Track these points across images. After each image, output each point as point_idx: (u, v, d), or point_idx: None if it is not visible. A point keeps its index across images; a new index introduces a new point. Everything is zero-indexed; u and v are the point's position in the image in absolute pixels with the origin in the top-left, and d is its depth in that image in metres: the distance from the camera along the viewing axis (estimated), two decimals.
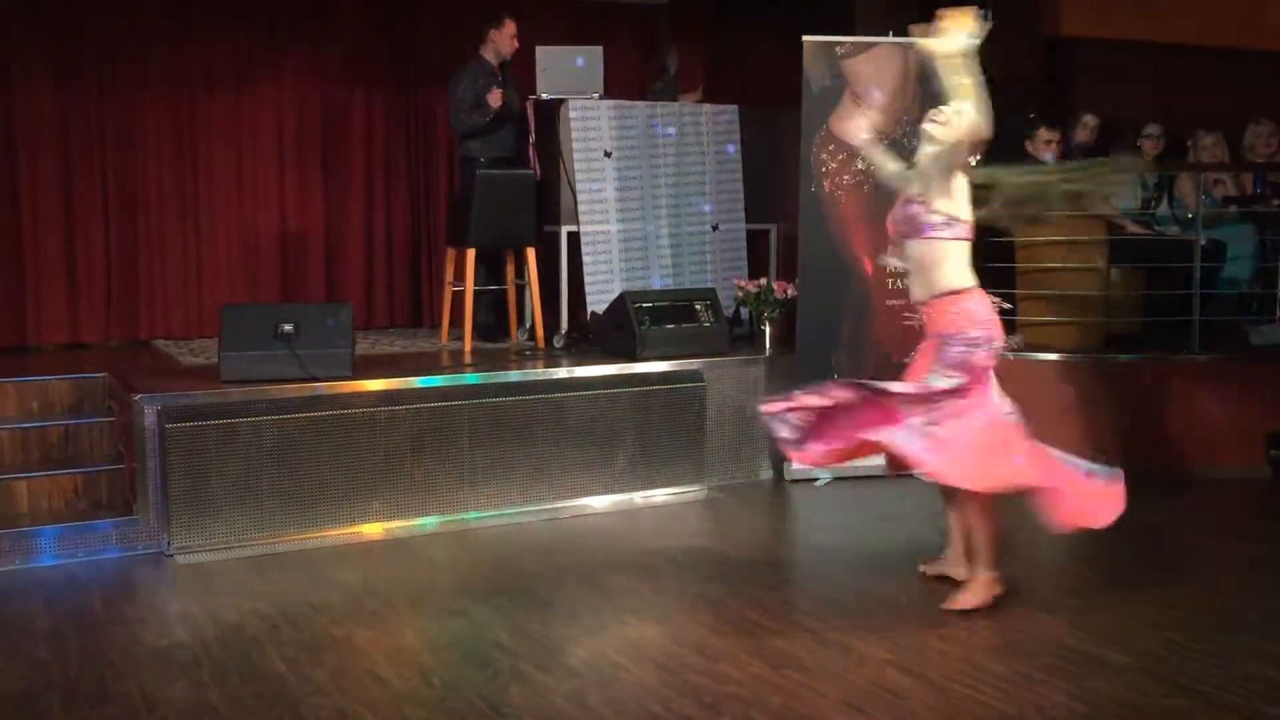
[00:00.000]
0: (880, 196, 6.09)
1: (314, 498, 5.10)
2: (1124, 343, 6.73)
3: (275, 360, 5.24)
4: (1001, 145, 6.70)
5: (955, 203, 4.08)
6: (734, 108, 7.07)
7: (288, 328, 5.26)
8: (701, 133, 6.94)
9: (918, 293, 4.19)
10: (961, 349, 4.05)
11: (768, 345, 6.41)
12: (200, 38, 7.26)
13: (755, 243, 7.19)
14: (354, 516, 5.18)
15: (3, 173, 6.83)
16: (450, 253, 6.80)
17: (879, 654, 3.77)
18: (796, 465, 6.11)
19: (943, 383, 4.04)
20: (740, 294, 6.56)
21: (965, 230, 4.09)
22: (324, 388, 5.25)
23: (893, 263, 4.08)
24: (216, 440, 4.92)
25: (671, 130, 6.83)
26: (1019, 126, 6.93)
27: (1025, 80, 7.48)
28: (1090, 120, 7.54)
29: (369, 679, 3.59)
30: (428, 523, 5.30)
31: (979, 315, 4.08)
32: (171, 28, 7.13)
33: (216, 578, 4.60)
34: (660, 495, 5.82)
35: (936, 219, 4.03)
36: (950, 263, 4.09)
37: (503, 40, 6.87)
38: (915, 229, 4.09)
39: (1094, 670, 3.64)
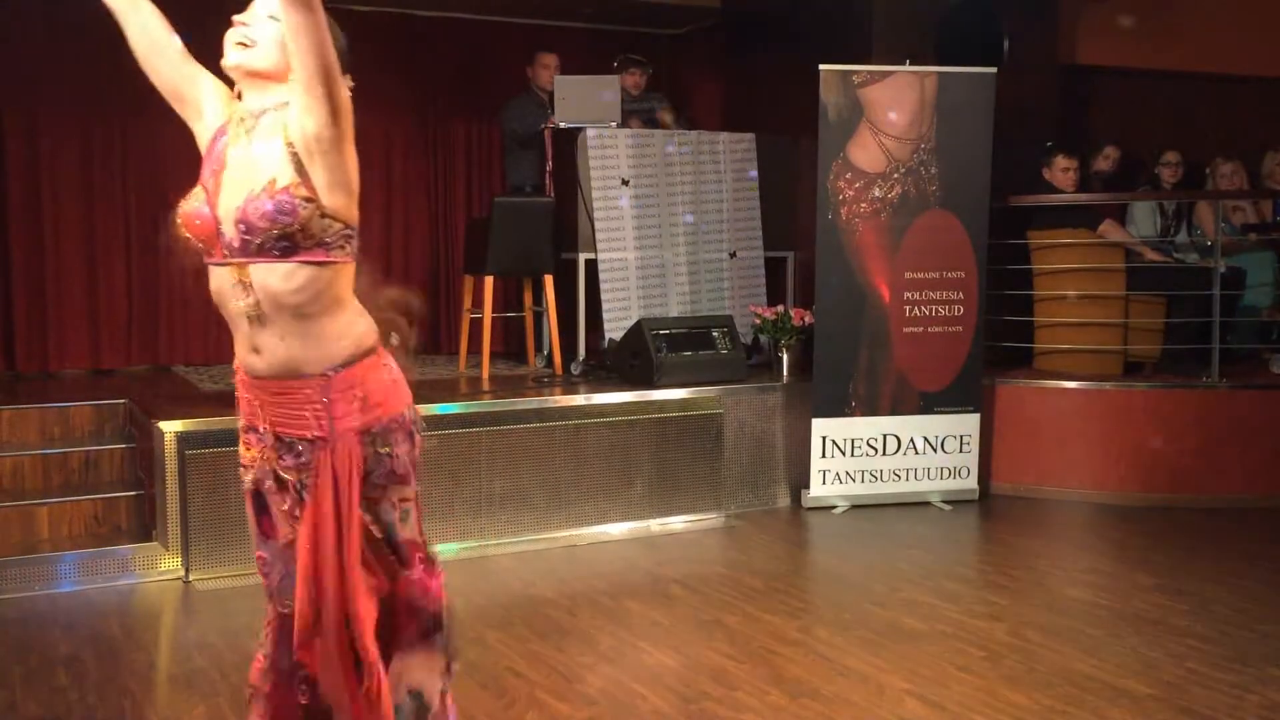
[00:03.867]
0: (897, 224, 6.12)
1: None
2: (1143, 371, 6.72)
3: None
4: (1020, 174, 6.78)
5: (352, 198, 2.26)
6: (751, 136, 7.10)
7: None
8: (719, 160, 6.96)
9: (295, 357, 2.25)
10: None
11: (785, 373, 6.41)
12: (217, 67, 7.33)
13: (773, 270, 7.19)
14: None
15: (26, 199, 6.91)
16: (468, 280, 6.84)
17: (898, 683, 3.75)
18: (814, 493, 6.13)
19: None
20: (758, 321, 6.57)
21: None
22: None
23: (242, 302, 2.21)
24: (236, 467, 4.92)
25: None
26: (1037, 154, 6.95)
27: (1043, 108, 7.51)
28: (1111, 151, 7.55)
29: None
30: (445, 549, 5.30)
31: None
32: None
33: (235, 604, 4.61)
34: (678, 522, 5.81)
35: (333, 226, 2.19)
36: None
37: (538, 74, 7.24)
38: (291, 238, 2.16)
39: (1114, 701, 3.61)
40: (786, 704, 3.59)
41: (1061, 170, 6.81)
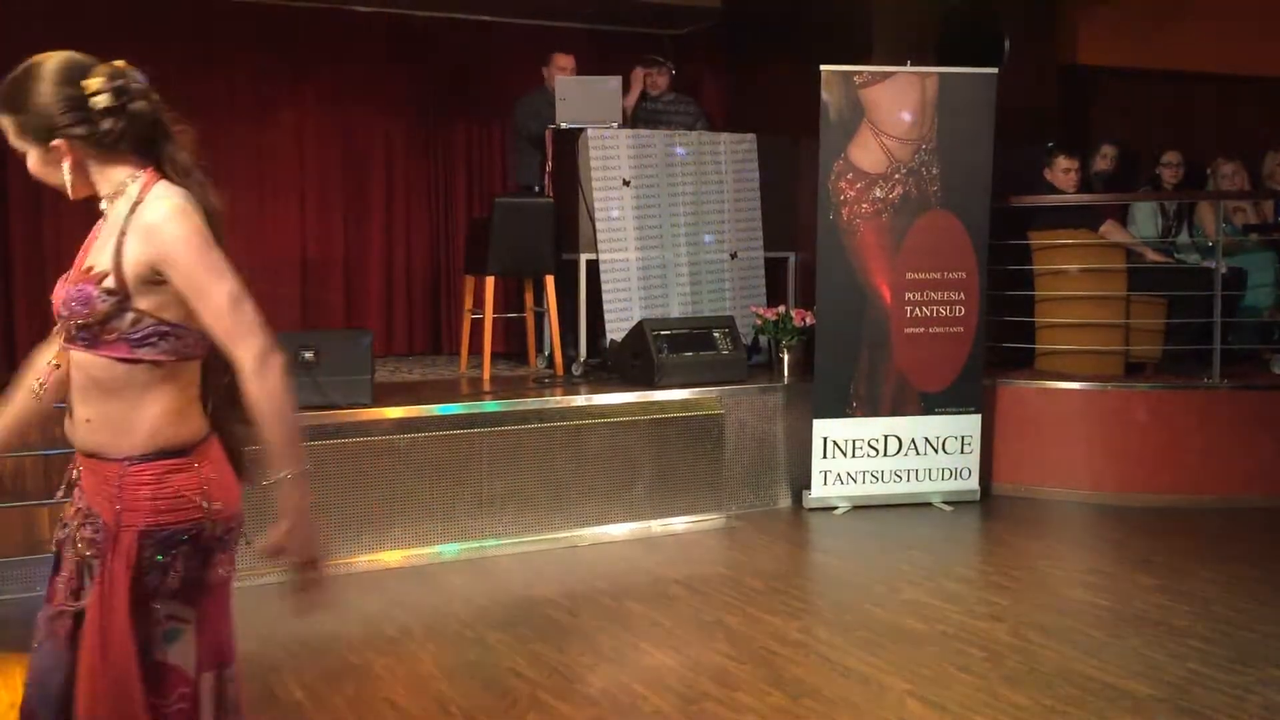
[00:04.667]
0: (898, 225, 6.12)
1: (333, 525, 5.09)
2: (1144, 371, 6.71)
3: (296, 387, 5.23)
4: (1021, 174, 6.78)
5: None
6: (752, 136, 7.10)
7: (308, 355, 5.29)
8: (720, 161, 6.96)
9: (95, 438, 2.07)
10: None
11: (786, 373, 6.41)
12: (220, 67, 7.32)
13: (774, 271, 7.19)
14: (373, 544, 5.18)
15: (27, 199, 6.90)
16: (469, 280, 6.84)
17: (899, 684, 3.75)
18: (815, 494, 6.12)
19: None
20: (759, 322, 6.57)
21: (195, 343, 2.08)
22: (344, 415, 5.27)
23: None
24: None
25: (682, 150, 6.85)
26: (1038, 155, 6.95)
27: (1043, 108, 7.51)
28: (1109, 150, 7.55)
29: (387, 707, 3.58)
30: (447, 550, 5.30)
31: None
32: (191, 56, 7.15)
33: (235, 605, 4.60)
34: (679, 523, 5.81)
35: (142, 322, 2.02)
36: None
37: (553, 74, 7.22)
38: (89, 329, 2.02)
39: (1116, 702, 3.61)
40: (787, 705, 3.59)
41: (1063, 171, 6.81)
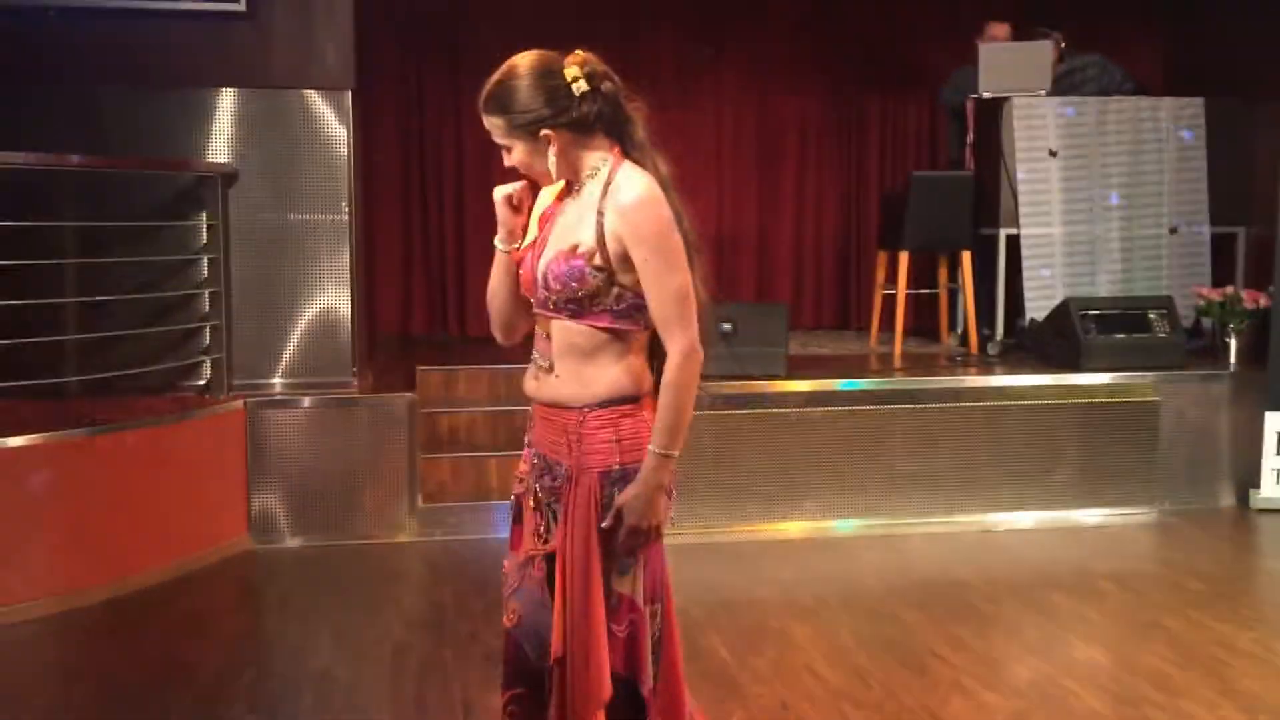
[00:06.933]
0: None
1: (745, 492, 5.23)
2: None
3: (714, 357, 5.38)
4: None
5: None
6: (1199, 100, 6.48)
7: (727, 327, 5.43)
8: (1160, 128, 6.42)
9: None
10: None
11: (1233, 360, 5.83)
12: (644, 45, 7.59)
13: (1220, 247, 6.55)
14: (783, 513, 5.25)
15: (433, 185, 7.52)
16: (882, 255, 6.75)
17: None
18: (1265, 494, 5.53)
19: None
20: (1201, 303, 6.01)
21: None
22: (757, 386, 5.37)
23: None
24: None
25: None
26: None
27: None
28: None
29: (808, 674, 3.62)
30: (853, 525, 5.28)
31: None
32: (616, 33, 7.35)
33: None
34: (1102, 515, 5.45)
35: (625, 296, 2.18)
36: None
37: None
38: (578, 302, 2.19)
39: None
40: None
41: None
